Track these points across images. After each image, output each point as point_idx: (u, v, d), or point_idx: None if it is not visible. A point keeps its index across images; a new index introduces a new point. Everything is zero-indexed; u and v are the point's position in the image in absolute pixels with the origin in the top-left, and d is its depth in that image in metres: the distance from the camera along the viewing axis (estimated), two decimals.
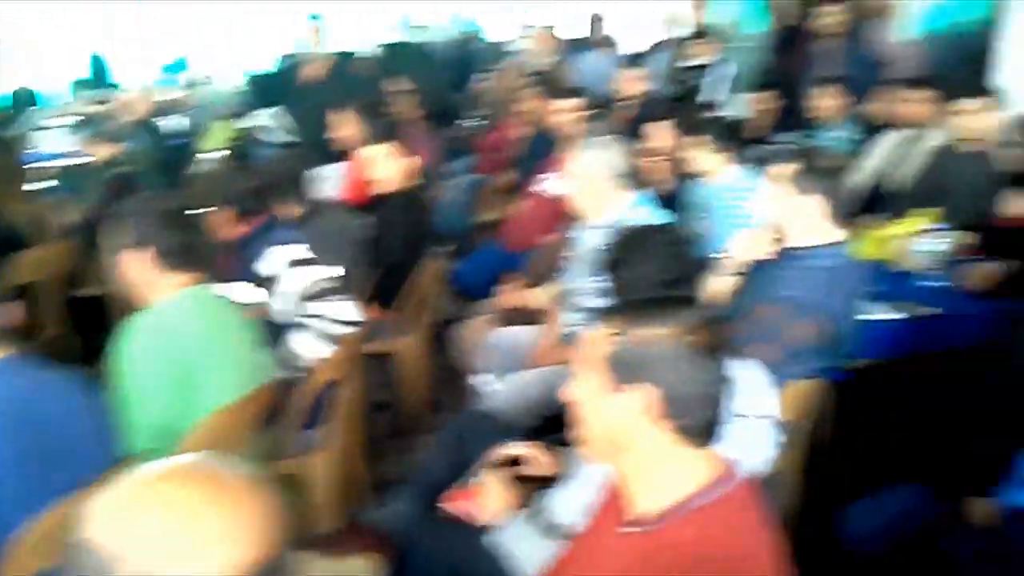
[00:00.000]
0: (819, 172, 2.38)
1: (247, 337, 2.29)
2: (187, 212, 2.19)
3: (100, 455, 1.79)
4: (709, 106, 4.89)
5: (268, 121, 6.38)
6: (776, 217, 2.43)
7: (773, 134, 4.86)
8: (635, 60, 6.19)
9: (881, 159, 4.13)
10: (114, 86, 7.52)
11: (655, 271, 1.91)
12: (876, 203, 3.71)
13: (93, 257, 3.58)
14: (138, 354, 2.04)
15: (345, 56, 6.36)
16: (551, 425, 2.05)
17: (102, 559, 0.90)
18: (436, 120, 5.89)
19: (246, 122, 6.38)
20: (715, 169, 3.53)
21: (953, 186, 3.44)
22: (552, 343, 2.92)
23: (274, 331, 2.71)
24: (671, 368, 1.23)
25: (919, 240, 3.04)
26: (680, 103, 5.01)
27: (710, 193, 3.50)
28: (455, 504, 1.87)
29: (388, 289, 3.37)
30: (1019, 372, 2.00)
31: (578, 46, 7.28)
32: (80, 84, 7.72)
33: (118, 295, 2.85)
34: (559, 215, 3.50)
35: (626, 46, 7.18)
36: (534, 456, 1.94)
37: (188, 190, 5.02)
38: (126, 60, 8.23)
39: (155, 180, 4.93)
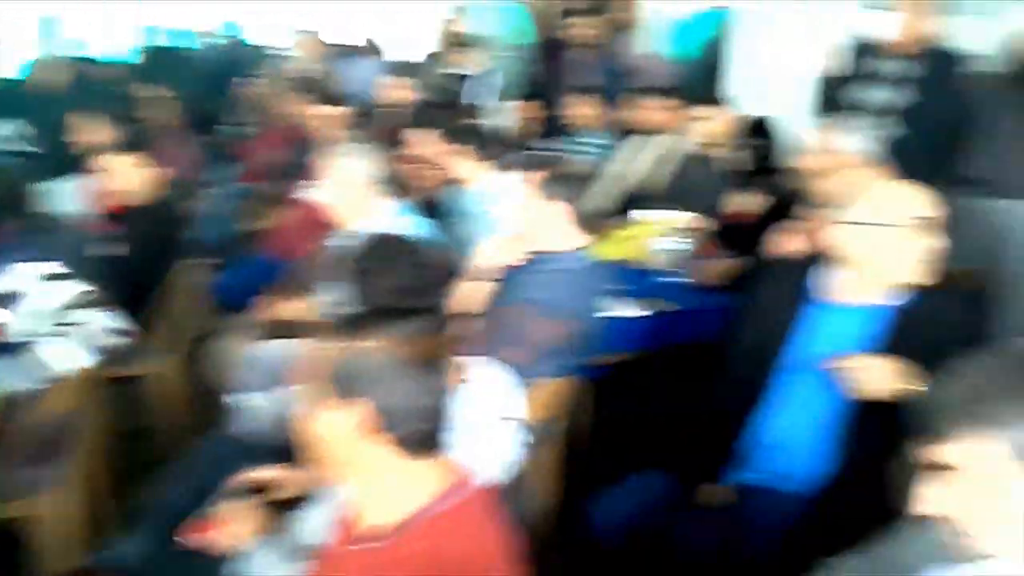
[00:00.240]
0: (564, 179, 2.48)
1: None
2: None
3: None
4: (473, 114, 4.98)
5: (6, 131, 5.81)
6: (525, 223, 2.50)
7: (537, 142, 5.03)
8: (404, 68, 6.21)
9: (627, 163, 4.39)
10: None
11: (395, 281, 1.91)
12: (624, 205, 3.93)
13: None
14: None
15: (92, 62, 5.92)
16: None
17: None
18: (198, 127, 5.61)
19: None
20: (476, 176, 3.59)
21: (691, 187, 3.70)
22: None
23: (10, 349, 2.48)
24: (385, 381, 1.22)
25: (660, 240, 3.25)
26: (444, 111, 5.06)
27: (470, 200, 3.56)
28: (194, 535, 1.77)
29: (135, 308, 3.15)
30: (731, 359, 2.16)
31: (345, 52, 7.18)
32: None
33: None
34: (325, 224, 3.43)
35: (401, 54, 7.18)
36: (281, 479, 1.87)
37: None
38: None
39: None
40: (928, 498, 1.10)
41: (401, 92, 5.39)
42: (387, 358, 1.22)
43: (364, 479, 1.29)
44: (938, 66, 3.52)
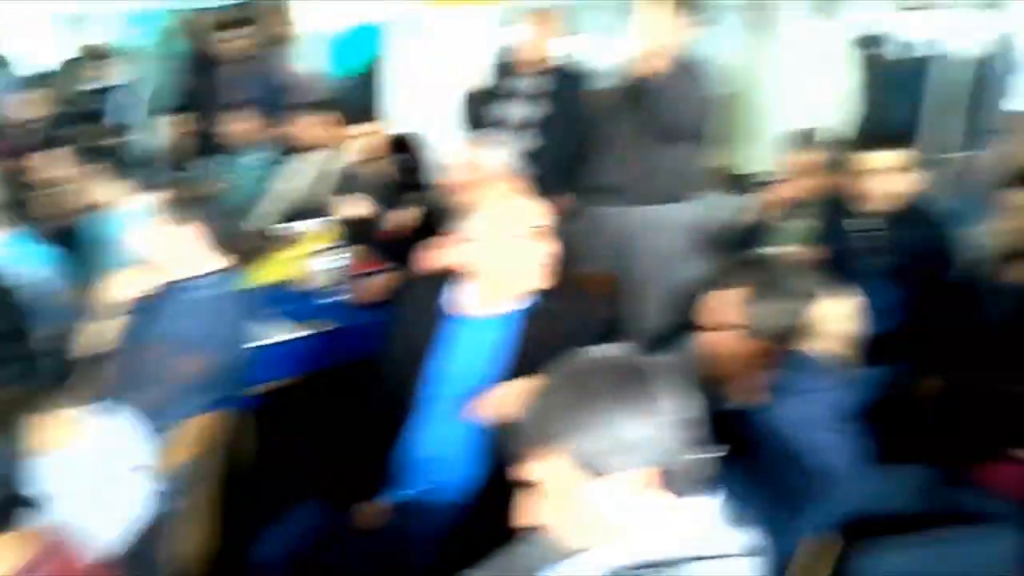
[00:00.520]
0: (194, 200, 2.34)
1: None
2: None
3: None
4: (114, 131, 4.60)
5: None
6: (154, 250, 2.32)
7: (190, 160, 4.76)
8: (35, 80, 5.58)
9: (287, 181, 4.29)
10: None
11: None
12: (283, 224, 3.83)
13: None
14: None
15: None
16: None
17: None
18: None
19: None
20: (115, 200, 3.30)
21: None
22: None
23: None
24: None
25: (318, 259, 3.20)
26: (79, 127, 4.62)
27: (108, 226, 3.26)
28: None
29: None
30: (380, 376, 2.17)
31: None
32: None
33: None
34: None
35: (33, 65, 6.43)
36: None
37: None
38: None
39: None
40: (524, 511, 1.18)
41: (34, 108, 4.86)
42: None
43: None
44: (564, 82, 3.81)
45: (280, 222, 3.81)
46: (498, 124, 3.77)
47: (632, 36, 3.28)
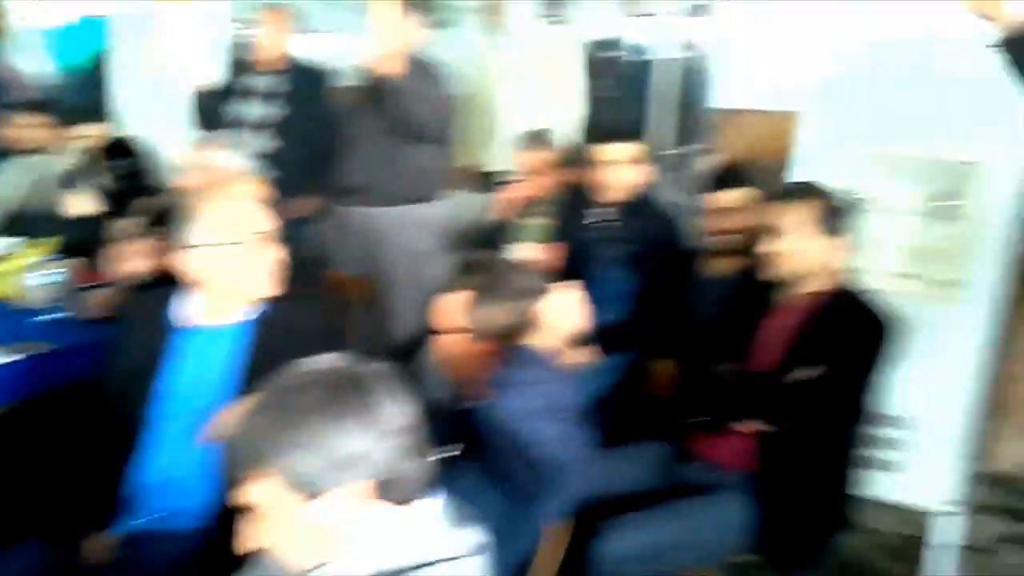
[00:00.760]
0: None
1: None
2: None
3: None
4: None
5: None
6: None
7: None
8: None
9: (7, 185, 3.88)
10: None
11: None
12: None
13: None
14: None
15: None
16: None
17: None
18: None
19: None
20: None
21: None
22: None
23: None
24: None
25: (33, 273, 2.89)
26: None
27: None
28: None
29: None
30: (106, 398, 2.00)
31: None
32: None
33: None
34: None
35: None
36: None
37: None
38: None
39: None
40: (247, 535, 1.13)
41: None
42: None
43: None
44: (302, 81, 3.71)
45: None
46: (233, 124, 3.61)
47: (370, 36, 3.25)
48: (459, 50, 4.59)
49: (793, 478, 2.15)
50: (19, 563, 1.90)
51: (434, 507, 1.17)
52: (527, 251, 3.22)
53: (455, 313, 1.57)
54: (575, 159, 3.63)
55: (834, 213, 2.21)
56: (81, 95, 4.90)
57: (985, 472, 3.20)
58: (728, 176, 2.85)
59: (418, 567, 1.10)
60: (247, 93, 3.68)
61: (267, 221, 1.95)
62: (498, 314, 1.54)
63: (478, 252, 3.23)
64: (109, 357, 2.05)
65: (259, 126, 3.65)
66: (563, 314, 1.50)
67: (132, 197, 3.33)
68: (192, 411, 1.90)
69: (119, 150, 3.81)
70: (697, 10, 4.50)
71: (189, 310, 1.98)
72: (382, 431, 1.08)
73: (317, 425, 1.06)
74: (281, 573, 1.16)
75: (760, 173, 2.84)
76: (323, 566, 1.12)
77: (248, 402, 1.14)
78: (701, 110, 4.53)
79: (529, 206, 3.29)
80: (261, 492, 1.08)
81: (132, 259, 2.74)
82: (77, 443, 2.11)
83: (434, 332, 1.61)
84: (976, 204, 2.50)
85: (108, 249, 2.84)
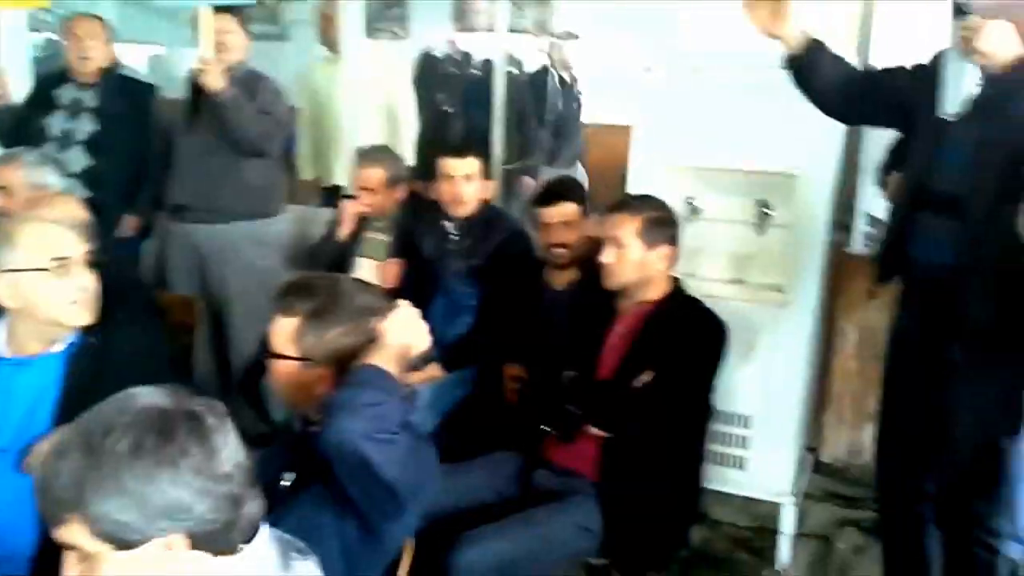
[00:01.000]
0: None
1: None
2: None
3: None
4: None
5: None
6: None
7: None
8: None
9: None
10: None
11: None
12: None
13: None
14: None
15: None
16: None
17: None
18: None
19: None
20: None
21: None
22: None
23: None
24: None
25: None
26: None
27: None
28: None
29: None
30: None
31: None
32: None
33: None
34: None
35: None
36: None
37: None
38: None
39: None
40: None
41: None
42: None
43: None
44: (122, 93, 3.49)
45: None
46: (42, 139, 3.36)
47: (199, 48, 3.13)
48: (292, 63, 4.49)
49: (636, 481, 2.20)
50: None
51: (262, 551, 1.10)
52: (366, 268, 3.17)
53: (287, 338, 1.50)
54: (414, 175, 3.61)
55: (662, 224, 2.29)
56: None
57: (819, 462, 3.40)
58: (558, 189, 2.90)
59: None
60: (59, 107, 3.43)
61: (77, 244, 1.82)
62: (331, 338, 1.47)
63: (316, 270, 3.17)
64: None
65: (72, 141, 3.41)
66: (403, 332, 1.46)
67: None
68: (3, 448, 1.75)
69: None
70: (536, 26, 4.61)
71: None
72: (206, 478, 0.98)
73: (127, 472, 0.95)
74: None
75: (600, 185, 2.91)
76: None
77: (55, 440, 1.03)
78: (543, 123, 4.65)
79: (368, 222, 3.24)
80: (70, 537, 0.98)
81: None
82: None
83: (270, 357, 1.53)
84: (794, 213, 2.65)
85: None
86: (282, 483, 1.49)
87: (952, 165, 2.01)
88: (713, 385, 2.31)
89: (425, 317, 3.07)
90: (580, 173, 5.13)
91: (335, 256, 3.23)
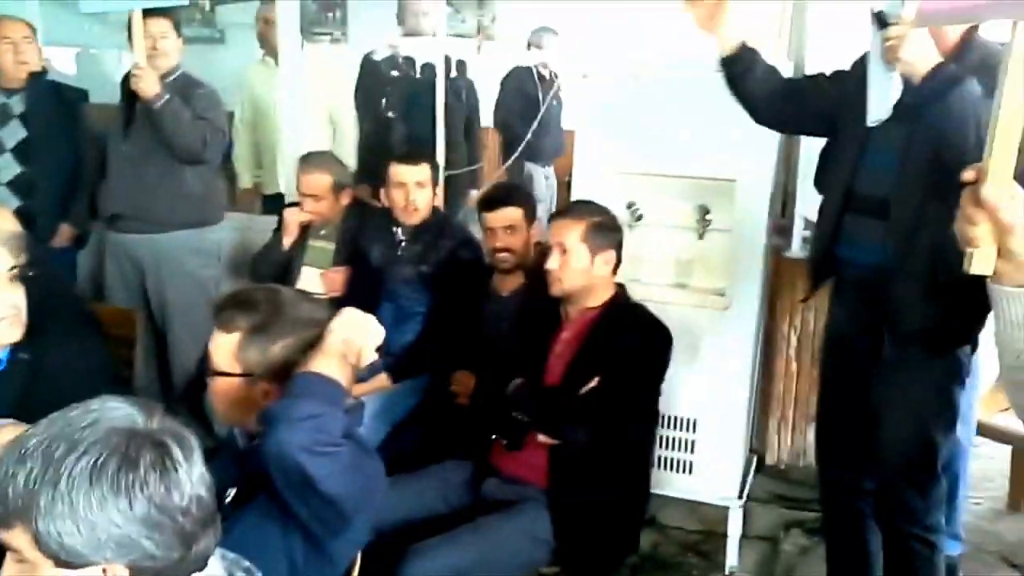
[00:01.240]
0: None
1: None
2: None
3: None
4: None
5: None
6: None
7: None
8: None
9: None
10: None
11: None
12: None
13: None
14: None
15: None
16: None
17: None
18: None
19: None
20: None
21: None
22: None
23: None
24: None
25: None
26: None
27: None
28: None
29: None
30: None
31: None
32: None
33: None
34: None
35: None
36: None
37: None
38: None
39: None
40: None
41: None
42: None
43: None
44: (51, 99, 3.39)
45: None
46: None
47: (133, 53, 3.06)
48: (229, 67, 4.41)
49: (585, 488, 2.21)
50: None
51: (209, 572, 1.07)
52: (310, 277, 3.13)
53: (228, 355, 1.46)
54: (357, 181, 3.57)
55: (606, 229, 2.30)
56: None
57: (763, 465, 3.45)
58: (501, 194, 2.90)
59: None
60: None
61: (5, 259, 1.75)
62: (276, 352, 1.43)
63: (258, 279, 3.12)
64: None
65: (4, 149, 3.30)
66: (347, 332, 1.43)
67: None
68: None
69: None
70: (479, 31, 4.60)
71: None
72: (160, 513, 0.96)
73: (82, 496, 0.93)
74: None
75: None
76: None
77: (19, 436, 0.99)
78: (474, 129, 4.65)
79: (312, 230, 3.20)
80: (13, 540, 0.95)
81: None
82: None
83: (212, 375, 1.49)
84: (734, 218, 2.69)
85: None
86: (226, 500, 1.46)
87: (878, 169, 2.07)
88: (659, 390, 2.33)
89: None
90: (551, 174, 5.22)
91: (278, 265, 3.18)
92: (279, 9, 3.66)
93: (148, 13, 3.05)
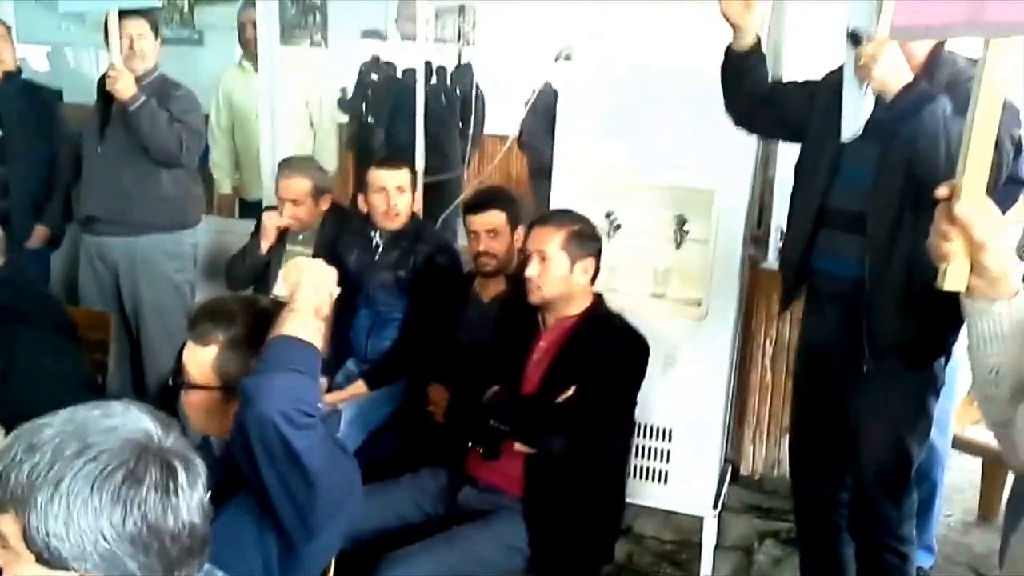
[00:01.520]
0: None
1: None
2: None
3: None
4: None
5: None
6: None
7: None
8: None
9: None
10: None
11: None
12: None
13: None
14: None
15: None
16: None
17: None
18: None
19: None
20: None
21: None
22: None
23: None
24: None
25: None
26: None
27: None
28: None
29: None
30: None
31: None
32: None
33: None
34: None
35: None
36: None
37: None
38: None
39: None
40: None
41: None
42: None
43: None
44: (23, 98, 3.33)
45: None
46: None
47: (109, 54, 3.03)
48: (208, 69, 4.37)
49: (561, 497, 2.21)
50: None
51: None
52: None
53: (206, 368, 1.45)
54: (336, 186, 3.56)
55: (585, 237, 2.31)
56: None
57: (737, 475, 3.47)
58: (485, 198, 2.90)
59: None
60: None
61: None
62: (253, 364, 1.42)
63: (234, 284, 3.09)
64: None
65: None
66: (311, 286, 1.43)
67: None
68: None
69: None
70: (461, 36, 4.58)
71: None
72: (150, 533, 0.95)
73: (81, 501, 0.92)
74: None
75: (525, 198, 2.89)
76: None
77: (28, 423, 0.98)
78: (468, 135, 4.63)
79: (290, 235, 3.18)
80: (2, 525, 0.95)
81: None
82: None
83: (189, 388, 1.47)
84: (711, 228, 2.70)
85: None
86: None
87: (853, 184, 2.08)
88: (635, 400, 2.33)
89: (350, 331, 3.01)
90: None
91: (255, 269, 3.16)
92: (259, 13, 3.64)
93: (126, 13, 3.02)
